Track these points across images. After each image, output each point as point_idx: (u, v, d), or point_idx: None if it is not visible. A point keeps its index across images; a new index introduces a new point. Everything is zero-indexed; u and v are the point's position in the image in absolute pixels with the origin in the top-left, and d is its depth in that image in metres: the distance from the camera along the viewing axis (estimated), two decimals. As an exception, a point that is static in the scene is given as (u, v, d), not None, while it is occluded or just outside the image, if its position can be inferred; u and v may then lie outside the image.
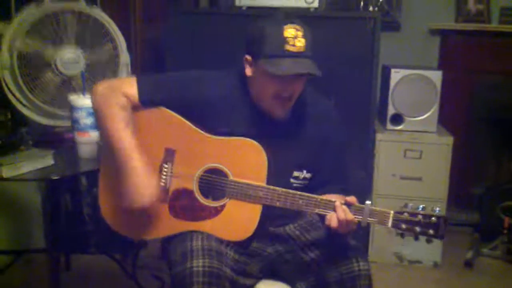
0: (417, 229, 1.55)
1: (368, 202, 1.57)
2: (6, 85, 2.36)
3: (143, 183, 1.60)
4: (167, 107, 1.69)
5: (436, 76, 3.00)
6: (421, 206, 1.57)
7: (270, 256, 1.75)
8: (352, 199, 1.58)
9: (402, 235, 1.59)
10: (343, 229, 1.56)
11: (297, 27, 1.57)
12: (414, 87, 3.01)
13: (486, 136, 3.57)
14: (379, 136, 2.99)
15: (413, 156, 2.98)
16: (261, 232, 1.70)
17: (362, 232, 2.96)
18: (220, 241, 1.65)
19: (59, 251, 2.60)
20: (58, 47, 2.39)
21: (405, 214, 1.55)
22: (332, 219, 1.56)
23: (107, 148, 1.70)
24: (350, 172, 1.83)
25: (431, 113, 3.02)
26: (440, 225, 1.53)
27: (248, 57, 1.64)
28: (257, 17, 1.64)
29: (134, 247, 2.88)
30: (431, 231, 1.54)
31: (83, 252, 3.01)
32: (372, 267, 1.67)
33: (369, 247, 3.04)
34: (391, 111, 3.04)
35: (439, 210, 1.56)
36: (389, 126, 3.05)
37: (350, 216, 1.55)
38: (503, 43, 3.40)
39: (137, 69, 2.76)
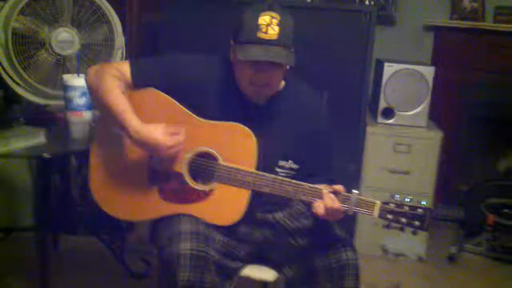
0: (403, 220, 1.57)
1: (355, 191, 1.59)
2: (0, 62, 2.34)
3: (153, 136, 1.60)
4: (158, 88, 1.70)
5: (428, 71, 3.02)
6: (408, 198, 1.59)
7: (258, 241, 1.78)
8: (339, 187, 1.59)
9: (388, 226, 1.60)
10: (329, 217, 1.59)
11: (273, 14, 1.57)
12: (406, 81, 3.03)
13: (475, 133, 3.60)
14: (369, 129, 3.01)
15: (402, 150, 3.00)
16: (249, 217, 1.72)
17: (348, 223, 3.01)
18: (208, 225, 1.67)
19: (48, 230, 2.60)
20: (53, 27, 2.38)
21: (392, 204, 1.57)
22: (319, 207, 1.57)
23: (103, 123, 1.72)
24: (336, 165, 1.84)
25: (422, 108, 3.04)
26: (426, 217, 1.56)
27: (231, 43, 1.66)
28: (248, 4, 1.66)
29: (122, 229, 2.90)
30: (416, 223, 1.56)
31: (72, 233, 3.03)
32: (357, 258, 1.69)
33: (354, 239, 3.06)
34: (382, 104, 3.06)
35: (425, 203, 1.59)
36: (380, 119, 3.07)
37: (337, 204, 1.57)
38: (496, 42, 3.42)
39: (131, 53, 2.75)
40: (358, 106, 2.90)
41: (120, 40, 2.56)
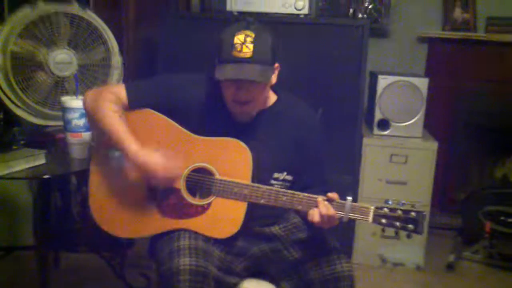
0: (397, 224, 1.59)
1: (349, 198, 1.61)
2: (-1, 85, 2.39)
3: (149, 155, 1.65)
4: (154, 109, 1.76)
5: (422, 83, 3.06)
6: (402, 201, 1.62)
7: (255, 255, 1.80)
8: (333, 195, 1.62)
9: (383, 230, 1.63)
10: (325, 224, 1.62)
11: (248, 33, 1.62)
12: (400, 93, 3.07)
13: (470, 142, 3.63)
14: (365, 141, 3.04)
15: (398, 161, 3.04)
16: (246, 231, 1.75)
17: (346, 234, 3.04)
18: (207, 240, 1.70)
19: (49, 249, 2.62)
20: (51, 48, 2.42)
21: (385, 209, 1.60)
22: (315, 215, 1.61)
23: (99, 146, 1.76)
24: (331, 175, 1.87)
25: (417, 119, 3.08)
26: (419, 220, 1.59)
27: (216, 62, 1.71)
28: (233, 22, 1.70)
29: (122, 246, 2.92)
30: (410, 226, 1.59)
31: (72, 251, 3.05)
32: (355, 269, 1.72)
33: (353, 249, 3.09)
34: (378, 116, 3.10)
35: (418, 206, 1.62)
36: (376, 131, 3.11)
37: (331, 211, 1.60)
38: (488, 52, 3.47)
39: (128, 71, 2.79)
40: (354, 118, 2.93)
41: (116, 60, 2.59)
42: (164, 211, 1.76)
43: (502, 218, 3.22)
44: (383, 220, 1.60)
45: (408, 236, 1.62)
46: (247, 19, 1.67)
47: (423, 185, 3.03)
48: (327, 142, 1.91)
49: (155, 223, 1.75)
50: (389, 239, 3.06)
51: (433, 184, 3.04)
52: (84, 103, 1.79)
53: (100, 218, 1.83)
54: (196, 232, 1.70)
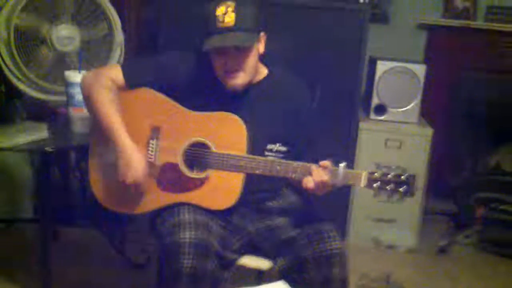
0: (388, 187, 1.62)
1: (341, 164, 1.65)
2: (2, 58, 2.40)
3: (132, 159, 1.71)
4: (150, 87, 1.81)
5: (420, 69, 3.09)
6: (393, 166, 1.66)
7: (251, 234, 1.85)
8: (326, 163, 1.66)
9: (375, 195, 1.66)
10: (319, 190, 1.66)
11: (229, 3, 1.67)
12: (398, 79, 3.10)
13: (465, 130, 3.64)
14: (362, 125, 3.08)
15: (393, 146, 3.07)
16: (244, 207, 1.81)
17: (341, 216, 3.09)
18: (206, 215, 1.73)
19: (49, 222, 2.66)
20: (54, 23, 2.44)
21: (376, 174, 1.63)
22: (309, 181, 1.65)
23: (96, 128, 1.80)
24: (323, 147, 1.89)
25: (413, 105, 3.12)
26: (410, 183, 1.62)
27: None
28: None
29: (122, 221, 2.95)
30: (401, 189, 1.62)
31: (72, 225, 3.08)
32: (350, 250, 1.77)
33: (348, 231, 3.14)
34: (375, 101, 3.13)
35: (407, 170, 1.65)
36: (372, 115, 3.14)
37: (325, 177, 1.63)
38: (487, 41, 3.49)
39: (130, 48, 2.81)
40: (352, 102, 2.96)
41: (119, 36, 2.62)
42: (163, 186, 1.80)
43: (493, 204, 3.28)
44: (375, 184, 1.63)
45: (401, 199, 1.65)
46: None
47: (417, 170, 3.02)
48: (318, 113, 1.98)
49: (155, 198, 1.80)
50: (383, 222, 3.13)
51: (428, 170, 3.08)
52: (82, 87, 1.84)
53: (101, 194, 1.87)
54: (195, 207, 1.74)
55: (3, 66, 2.42)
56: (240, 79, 1.75)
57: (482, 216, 3.26)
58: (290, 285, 1.52)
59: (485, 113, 3.54)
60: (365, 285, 2.65)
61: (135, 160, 1.71)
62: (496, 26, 3.44)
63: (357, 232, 3.15)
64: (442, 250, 3.17)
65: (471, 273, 2.98)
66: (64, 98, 2.37)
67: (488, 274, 2.99)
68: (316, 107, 2.08)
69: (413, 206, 3.10)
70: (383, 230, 3.13)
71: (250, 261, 1.86)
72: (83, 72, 2.14)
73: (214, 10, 1.68)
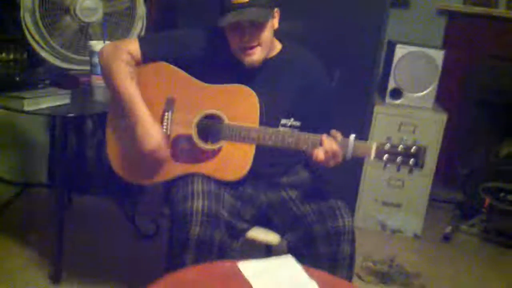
0: (398, 159, 1.65)
1: (352, 135, 1.68)
2: (27, 27, 2.45)
3: (150, 129, 1.76)
4: (166, 61, 1.85)
5: (438, 55, 3.08)
6: (404, 137, 1.66)
7: (263, 204, 1.90)
8: (337, 134, 1.69)
9: (384, 166, 1.68)
10: (330, 161, 1.69)
11: None
12: (416, 64, 3.10)
13: (479, 117, 3.66)
14: (377, 108, 3.10)
15: (407, 130, 3.08)
16: (256, 179, 1.86)
17: (349, 199, 3.11)
18: (218, 186, 1.79)
19: (64, 187, 2.73)
20: (78, -6, 2.49)
21: (387, 145, 1.66)
22: (319, 153, 1.68)
23: (114, 99, 1.85)
24: (337, 127, 1.90)
25: (430, 90, 3.12)
26: (420, 155, 1.64)
27: None
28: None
29: (134, 191, 3.02)
30: (411, 161, 1.64)
31: (85, 193, 3.15)
32: (356, 232, 1.79)
33: (355, 214, 3.17)
34: (391, 85, 3.14)
35: (419, 142, 1.66)
36: (388, 99, 3.15)
37: (335, 147, 1.67)
38: (507, 29, 3.48)
39: (150, 21, 2.84)
40: (368, 85, 2.97)
41: (141, 9, 2.66)
42: (177, 157, 1.85)
43: (501, 194, 3.28)
44: (385, 156, 1.66)
45: (410, 172, 1.66)
46: None
47: (429, 156, 3.07)
48: (333, 90, 2.02)
49: (169, 168, 1.85)
50: (390, 206, 3.16)
51: (438, 156, 3.10)
52: (100, 59, 1.88)
53: (117, 165, 1.92)
54: (208, 177, 1.79)
55: (27, 34, 2.47)
56: (256, 55, 1.79)
57: (488, 206, 3.27)
58: (298, 260, 1.57)
59: (500, 102, 3.54)
60: (369, 267, 2.69)
61: (153, 130, 1.76)
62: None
63: (364, 215, 3.20)
64: (446, 237, 3.20)
65: (474, 261, 3.01)
66: (85, 67, 2.43)
67: (491, 263, 3.02)
68: (333, 86, 2.12)
69: (421, 191, 3.13)
70: (390, 214, 3.18)
71: (260, 234, 1.91)
72: (107, 42, 2.18)
73: None
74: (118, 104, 1.82)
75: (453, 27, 3.63)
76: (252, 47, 1.78)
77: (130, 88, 1.78)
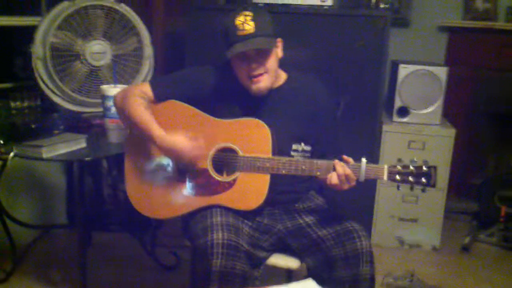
0: (410, 179, 1.70)
1: (363, 159, 1.73)
2: (39, 74, 2.54)
3: (174, 141, 1.82)
4: (177, 99, 1.94)
5: (442, 72, 3.13)
6: (414, 159, 1.71)
7: (281, 232, 1.94)
8: (348, 158, 1.75)
9: (398, 187, 1.73)
10: (343, 185, 1.74)
11: (246, 13, 1.81)
12: (420, 81, 3.15)
13: (488, 129, 3.70)
14: (385, 127, 3.14)
15: (417, 147, 3.12)
16: (272, 209, 1.91)
17: (366, 216, 3.15)
18: (237, 217, 1.84)
19: (85, 228, 2.77)
20: (87, 39, 2.57)
21: (398, 167, 1.71)
22: (333, 177, 1.74)
23: (133, 135, 1.92)
24: (347, 149, 1.95)
25: (436, 107, 3.16)
26: (431, 174, 1.69)
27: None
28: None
29: (152, 225, 3.06)
30: (423, 180, 1.69)
31: (104, 229, 3.20)
32: (375, 250, 1.82)
33: (372, 231, 3.20)
34: (397, 103, 3.19)
35: (428, 162, 1.70)
36: (396, 118, 3.20)
37: (348, 170, 1.72)
38: (508, 41, 3.52)
39: (158, 61, 2.93)
40: (375, 106, 3.02)
41: (148, 50, 2.74)
42: (194, 190, 1.91)
43: (517, 202, 3.31)
44: (398, 177, 1.70)
45: (423, 190, 1.71)
46: (243, 3, 1.82)
47: (441, 170, 3.02)
48: (340, 112, 2.12)
49: (187, 202, 1.91)
50: (406, 221, 3.18)
51: (451, 169, 3.13)
52: (115, 102, 1.98)
53: (137, 202, 1.98)
54: (226, 209, 1.84)
55: (39, 81, 2.55)
56: (263, 83, 1.86)
57: (505, 214, 3.28)
58: (319, 283, 1.60)
59: (507, 113, 3.57)
60: (390, 284, 2.70)
61: (179, 141, 1.82)
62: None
63: (381, 232, 3.22)
64: (465, 249, 3.21)
65: (494, 270, 3.01)
66: (97, 109, 2.51)
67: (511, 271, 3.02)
68: (341, 110, 2.18)
69: (436, 205, 3.15)
70: (407, 229, 3.20)
71: (280, 260, 1.95)
72: (118, 85, 2.26)
73: (234, 21, 1.81)
74: (136, 139, 1.89)
75: (455, 42, 3.69)
76: (259, 75, 1.85)
77: (145, 115, 1.86)
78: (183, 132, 1.85)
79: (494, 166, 3.72)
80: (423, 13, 3.70)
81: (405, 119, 3.20)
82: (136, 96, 1.89)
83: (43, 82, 2.57)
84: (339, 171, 1.73)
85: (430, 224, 3.18)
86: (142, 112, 1.87)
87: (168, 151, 1.84)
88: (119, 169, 2.56)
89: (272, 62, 1.86)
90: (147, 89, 1.94)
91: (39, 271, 2.74)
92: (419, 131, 3.13)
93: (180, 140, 1.82)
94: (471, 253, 3.20)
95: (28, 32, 2.55)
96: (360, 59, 2.95)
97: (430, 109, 3.17)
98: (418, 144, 3.13)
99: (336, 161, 1.75)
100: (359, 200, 2.93)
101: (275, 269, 1.96)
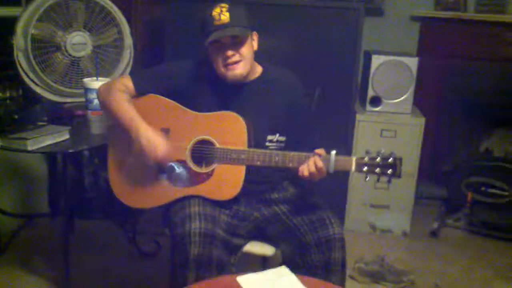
0: (377, 170, 1.78)
1: (333, 151, 1.81)
2: (20, 65, 2.57)
3: (152, 138, 1.88)
4: (157, 93, 2.02)
5: (412, 62, 3.23)
6: (381, 150, 1.79)
7: (257, 219, 2.04)
8: (320, 151, 1.83)
9: (365, 178, 1.80)
10: (315, 177, 1.82)
11: (222, 4, 1.89)
12: (392, 72, 3.24)
13: (457, 117, 3.80)
14: (358, 117, 3.23)
15: (388, 136, 3.23)
16: (248, 198, 2.00)
17: (339, 203, 3.26)
18: (214, 207, 1.93)
19: (68, 216, 2.83)
20: (67, 31, 2.61)
21: (366, 158, 1.79)
22: (304, 169, 1.82)
23: (116, 127, 1.99)
24: (319, 134, 2.06)
25: (407, 96, 3.26)
26: (397, 165, 1.77)
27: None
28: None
29: (134, 213, 3.13)
30: (389, 171, 1.77)
31: (86, 217, 3.25)
32: (348, 235, 1.91)
33: (345, 217, 3.31)
34: (370, 93, 3.27)
35: (394, 153, 1.78)
36: (368, 107, 3.29)
37: (319, 163, 1.80)
38: (477, 31, 3.62)
39: (137, 52, 2.97)
40: (349, 96, 3.12)
41: (128, 40, 2.79)
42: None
43: (483, 188, 3.44)
44: (365, 168, 1.79)
45: (389, 181, 1.78)
46: None
47: (411, 158, 3.21)
48: (314, 104, 2.20)
49: (168, 192, 1.99)
50: (378, 208, 3.30)
51: (421, 156, 3.24)
52: (98, 96, 2.06)
53: (120, 192, 2.06)
54: (204, 199, 1.93)
55: (21, 73, 2.59)
56: (239, 70, 1.94)
57: (471, 200, 3.42)
58: (293, 270, 1.70)
59: (476, 101, 3.68)
60: (361, 268, 2.81)
61: (154, 139, 1.88)
62: (486, 16, 3.56)
63: (354, 218, 3.33)
64: (434, 233, 3.34)
65: (461, 253, 3.14)
66: (79, 99, 2.56)
67: (478, 254, 3.15)
68: (315, 101, 2.26)
69: (406, 191, 3.27)
70: (379, 215, 3.32)
71: (256, 248, 2.04)
72: (101, 79, 2.32)
73: (211, 11, 1.89)
74: (118, 130, 1.95)
75: (426, 32, 3.77)
76: (234, 63, 1.93)
77: (129, 110, 1.93)
78: (164, 126, 1.93)
79: (463, 153, 3.84)
80: (397, 2, 3.78)
81: (377, 109, 3.29)
82: (119, 91, 1.97)
83: (25, 73, 2.61)
84: (311, 163, 1.81)
85: (401, 210, 3.30)
86: (125, 105, 1.94)
87: (141, 145, 1.88)
88: (101, 157, 2.61)
89: (247, 50, 1.94)
90: (128, 82, 2.01)
91: (23, 259, 2.80)
92: (391, 120, 3.24)
93: (154, 138, 1.88)
94: (439, 237, 3.33)
95: (10, 23, 2.58)
96: (334, 50, 3.04)
97: (401, 99, 3.27)
98: (390, 133, 3.23)
99: (308, 154, 1.83)
100: (333, 188, 3.06)
101: (251, 256, 2.05)
